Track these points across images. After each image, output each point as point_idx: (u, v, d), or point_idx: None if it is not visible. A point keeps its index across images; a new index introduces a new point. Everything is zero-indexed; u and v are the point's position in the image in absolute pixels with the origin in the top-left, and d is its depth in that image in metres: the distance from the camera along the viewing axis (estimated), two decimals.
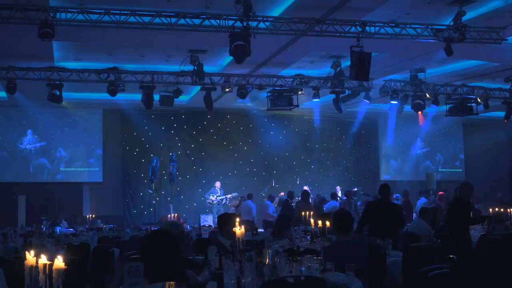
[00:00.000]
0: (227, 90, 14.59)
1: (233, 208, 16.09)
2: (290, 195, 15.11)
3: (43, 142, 17.91)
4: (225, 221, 6.17)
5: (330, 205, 14.70)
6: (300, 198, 14.46)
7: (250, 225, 12.60)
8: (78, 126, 18.02)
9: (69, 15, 9.36)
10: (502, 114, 16.66)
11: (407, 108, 16.33)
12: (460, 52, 11.12)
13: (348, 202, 15.13)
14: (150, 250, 3.82)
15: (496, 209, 12.88)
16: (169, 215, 15.84)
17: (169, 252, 3.80)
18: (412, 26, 10.59)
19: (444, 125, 20.56)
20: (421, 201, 15.37)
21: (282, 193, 17.13)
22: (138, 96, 13.99)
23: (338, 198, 16.44)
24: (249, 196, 15.62)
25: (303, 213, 12.64)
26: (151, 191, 17.61)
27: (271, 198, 15.48)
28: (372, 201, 10.93)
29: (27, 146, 17.79)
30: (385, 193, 8.83)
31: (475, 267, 4.24)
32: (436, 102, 15.34)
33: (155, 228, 12.88)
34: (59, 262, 2.94)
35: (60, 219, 15.05)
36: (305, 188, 17.76)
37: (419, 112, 15.96)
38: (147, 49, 12.86)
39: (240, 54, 9.68)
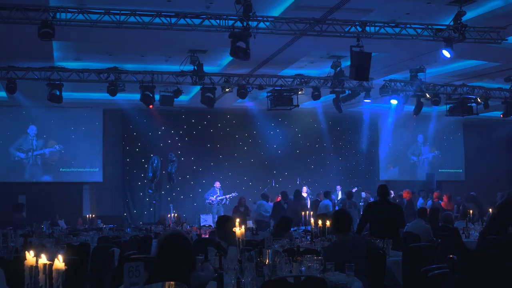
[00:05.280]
0: (227, 90, 14.59)
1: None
2: (284, 195, 15.13)
3: (43, 142, 17.92)
4: (222, 224, 6.12)
5: (322, 204, 14.73)
6: (292, 198, 14.48)
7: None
8: (78, 126, 18.03)
9: (69, 15, 9.35)
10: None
11: (407, 108, 16.34)
12: (460, 52, 11.11)
13: (350, 202, 15.16)
14: (169, 249, 3.89)
15: (490, 210, 12.78)
16: (169, 215, 15.83)
17: (184, 254, 3.93)
18: (412, 26, 10.58)
19: (444, 125, 20.57)
20: (421, 201, 15.39)
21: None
22: (138, 96, 13.99)
23: (340, 197, 16.47)
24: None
25: (303, 212, 12.68)
26: (151, 191, 17.61)
27: (266, 198, 15.36)
28: (372, 202, 10.97)
29: (27, 146, 17.79)
30: (384, 193, 8.84)
31: (475, 267, 4.25)
32: (436, 102, 15.35)
33: (154, 227, 12.98)
34: (59, 262, 2.94)
35: (57, 219, 14.99)
36: (304, 188, 17.83)
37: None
38: (147, 49, 12.86)
39: (241, 54, 9.69)
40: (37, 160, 17.87)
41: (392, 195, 15.27)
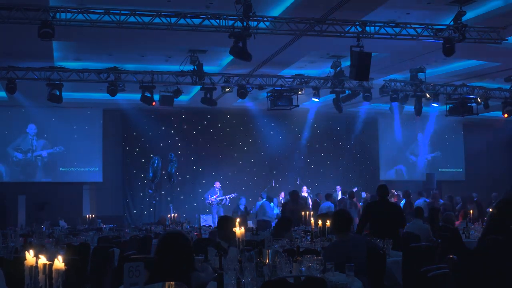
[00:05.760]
0: (227, 90, 14.59)
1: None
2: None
3: (43, 142, 17.91)
4: (223, 224, 6.14)
5: (324, 206, 14.70)
6: (289, 198, 14.46)
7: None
8: (78, 126, 18.02)
9: (69, 15, 9.35)
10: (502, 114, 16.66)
11: (407, 108, 16.34)
12: (460, 52, 11.11)
13: (351, 202, 15.14)
14: (169, 249, 3.90)
15: (491, 209, 12.76)
16: (169, 215, 15.83)
17: (184, 254, 3.94)
18: (412, 26, 10.58)
19: (444, 125, 20.56)
20: (421, 201, 15.37)
21: (283, 194, 17.13)
22: (138, 96, 14.00)
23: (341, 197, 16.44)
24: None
25: (302, 213, 12.66)
26: (151, 191, 17.60)
27: (269, 199, 15.38)
28: (371, 202, 10.95)
29: (27, 146, 17.79)
30: (384, 193, 8.84)
31: (475, 267, 4.24)
32: (436, 101, 15.33)
33: (154, 227, 12.97)
34: (59, 262, 2.94)
35: (56, 220, 14.99)
36: (304, 188, 17.79)
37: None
38: (147, 49, 12.87)
39: (243, 55, 9.71)
40: (37, 160, 17.87)
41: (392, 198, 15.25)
